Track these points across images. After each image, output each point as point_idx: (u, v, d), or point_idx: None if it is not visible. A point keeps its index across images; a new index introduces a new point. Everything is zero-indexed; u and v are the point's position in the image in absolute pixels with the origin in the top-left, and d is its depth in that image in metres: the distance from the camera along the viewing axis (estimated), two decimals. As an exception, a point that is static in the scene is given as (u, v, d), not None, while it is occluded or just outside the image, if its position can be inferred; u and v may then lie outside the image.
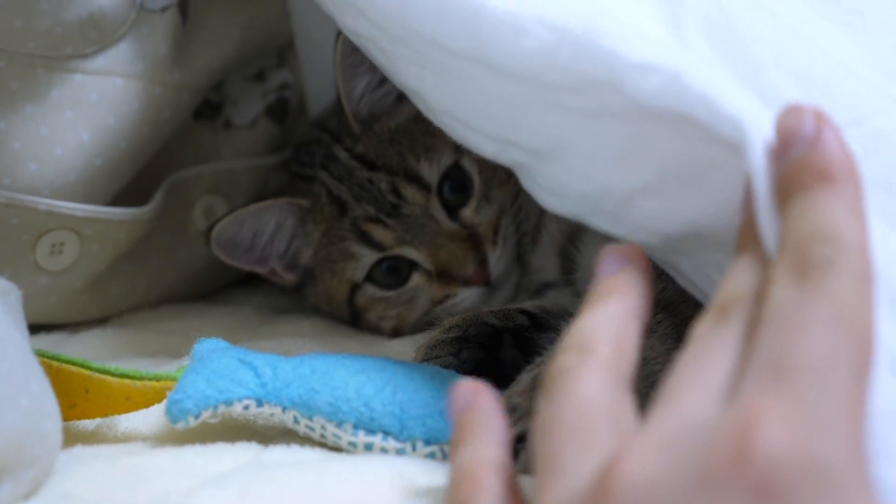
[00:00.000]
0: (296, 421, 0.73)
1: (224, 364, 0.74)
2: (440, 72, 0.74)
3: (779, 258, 0.51)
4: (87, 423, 0.78)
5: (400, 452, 0.71)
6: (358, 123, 1.06)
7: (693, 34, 0.72)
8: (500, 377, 0.80)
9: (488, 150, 0.76)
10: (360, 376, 0.73)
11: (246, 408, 0.73)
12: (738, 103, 0.57)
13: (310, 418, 0.72)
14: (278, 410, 0.73)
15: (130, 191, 1.05)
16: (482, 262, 1.03)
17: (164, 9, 1.01)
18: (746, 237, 0.55)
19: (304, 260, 1.11)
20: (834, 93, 0.72)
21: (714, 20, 0.74)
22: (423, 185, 1.03)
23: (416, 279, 1.05)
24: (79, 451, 0.73)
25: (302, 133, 1.21)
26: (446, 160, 1.04)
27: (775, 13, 0.78)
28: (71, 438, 0.73)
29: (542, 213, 1.00)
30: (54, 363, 0.75)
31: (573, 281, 1.00)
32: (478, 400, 0.59)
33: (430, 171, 1.04)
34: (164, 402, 0.73)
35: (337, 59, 1.01)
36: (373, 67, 0.87)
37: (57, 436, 0.67)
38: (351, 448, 0.72)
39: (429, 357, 0.85)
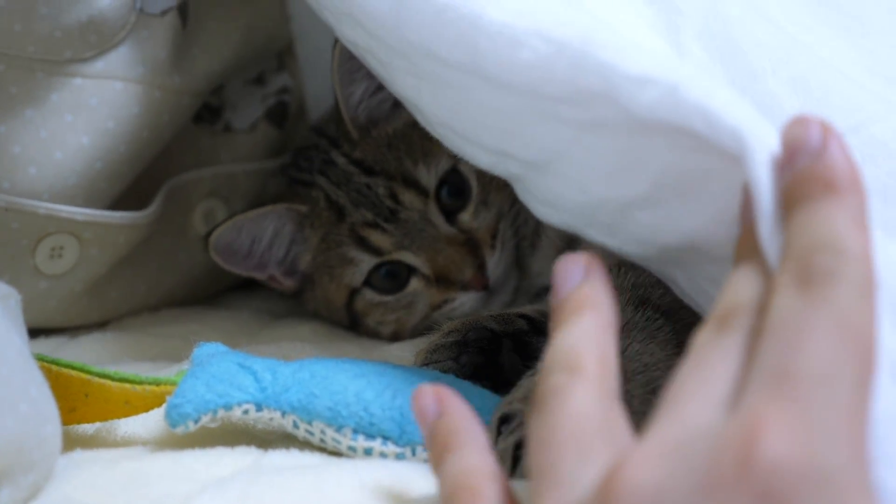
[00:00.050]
0: (295, 425, 0.73)
1: (223, 368, 0.74)
2: (437, 83, 0.74)
3: (781, 267, 0.51)
4: (87, 428, 0.78)
5: (399, 457, 0.71)
6: (356, 129, 1.06)
7: (691, 42, 0.72)
8: (499, 382, 0.81)
9: (484, 161, 0.77)
10: (360, 381, 0.73)
11: (245, 412, 0.73)
12: (737, 114, 0.57)
13: (309, 423, 0.72)
14: (278, 415, 0.73)
15: (130, 195, 1.05)
16: (480, 266, 1.03)
17: (163, 13, 1.01)
18: (746, 247, 0.55)
19: (303, 265, 1.11)
20: (831, 100, 0.72)
21: (711, 27, 0.74)
22: (420, 190, 1.03)
23: (415, 284, 1.05)
24: (78, 455, 0.73)
25: (301, 137, 1.21)
26: (444, 165, 1.04)
27: (773, 20, 0.78)
28: (70, 442, 0.73)
29: (540, 217, 1.00)
30: (54, 367, 0.75)
31: (572, 285, 0.99)
32: (448, 405, 0.59)
33: (428, 176, 1.04)
34: (164, 406, 0.73)
35: (334, 66, 1.01)
36: (370, 73, 0.87)
37: (56, 440, 0.67)
38: (350, 453, 0.72)
39: (428, 361, 0.85)
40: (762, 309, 0.51)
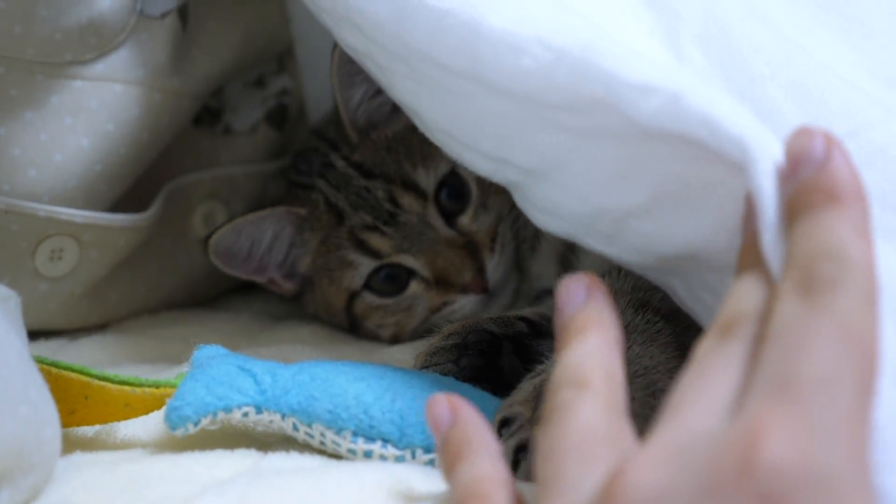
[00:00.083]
0: (295, 428, 0.73)
1: (223, 371, 0.74)
2: (436, 89, 0.74)
3: (784, 276, 0.52)
4: (87, 430, 0.78)
5: (399, 460, 0.71)
6: (355, 132, 1.06)
7: (690, 47, 0.72)
8: (499, 385, 0.81)
9: (483, 168, 0.77)
10: (360, 383, 0.73)
11: (245, 415, 0.73)
12: (740, 123, 0.57)
13: (309, 425, 0.72)
14: (277, 417, 0.73)
15: (130, 197, 1.05)
16: (480, 269, 1.03)
17: (163, 15, 1.01)
18: (748, 257, 0.55)
19: (303, 268, 1.11)
20: (829, 104, 0.72)
21: (710, 32, 0.74)
22: (419, 193, 1.04)
23: (414, 287, 1.05)
24: (78, 457, 0.73)
25: (301, 139, 1.21)
26: (443, 168, 1.04)
27: (773, 22, 0.78)
28: (70, 445, 0.73)
29: (540, 219, 1.00)
30: (53, 370, 0.74)
31: (572, 288, 0.99)
32: (462, 414, 0.60)
33: (427, 179, 1.04)
34: (164, 408, 0.73)
35: (334, 69, 1.01)
36: (370, 77, 0.87)
37: (56, 442, 0.67)
38: (350, 455, 0.72)
39: (428, 364, 0.85)
40: (765, 317, 0.51)
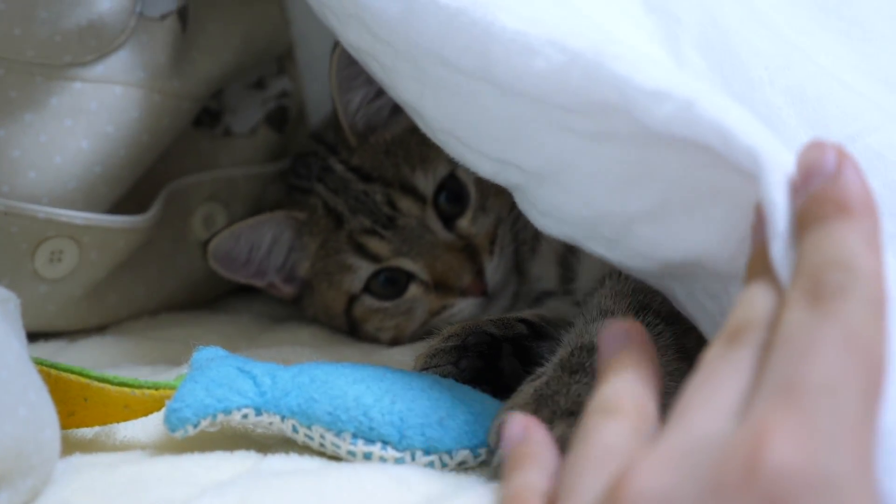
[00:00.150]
0: (294, 430, 0.73)
1: (223, 373, 0.74)
2: (441, 89, 0.74)
3: (793, 284, 0.52)
4: (86, 432, 0.78)
5: (399, 462, 0.71)
6: (354, 136, 1.06)
7: (690, 52, 0.72)
8: (498, 386, 0.81)
9: (486, 169, 0.76)
10: (359, 385, 0.73)
11: (245, 416, 0.73)
12: (753, 133, 0.57)
13: (309, 427, 0.72)
14: (277, 419, 0.73)
15: (130, 199, 1.05)
16: (479, 272, 1.03)
17: (163, 16, 1.01)
18: (757, 266, 0.56)
19: (302, 272, 1.11)
20: (828, 109, 0.72)
21: (710, 36, 0.74)
22: (418, 197, 1.04)
23: (413, 290, 1.05)
24: (77, 459, 0.73)
25: (301, 141, 1.21)
26: (442, 171, 1.04)
27: (772, 26, 0.78)
28: (69, 447, 0.73)
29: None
30: (53, 371, 0.74)
31: (572, 290, 1.00)
32: (531, 433, 0.63)
33: (426, 182, 1.04)
34: (163, 410, 0.73)
35: (333, 73, 1.01)
36: (369, 80, 0.87)
37: (55, 444, 0.67)
38: (350, 457, 0.72)
39: (428, 366, 0.85)
40: (773, 325, 0.52)
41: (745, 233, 0.60)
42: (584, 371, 0.72)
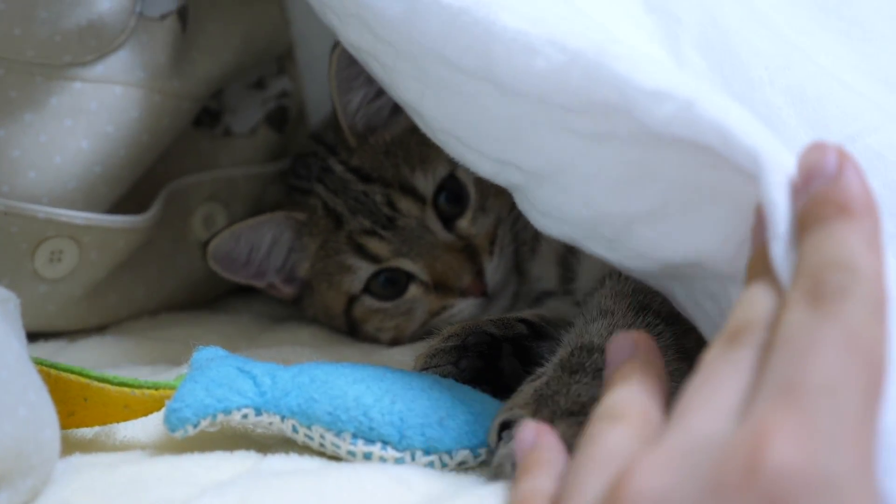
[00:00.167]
0: (294, 430, 0.73)
1: (223, 373, 0.74)
2: (442, 89, 0.74)
3: (793, 284, 0.53)
4: (86, 432, 0.78)
5: (399, 462, 0.71)
6: (354, 136, 1.06)
7: (690, 51, 0.72)
8: (498, 386, 0.81)
9: (486, 169, 0.76)
10: (359, 385, 0.73)
11: (245, 416, 0.73)
12: (754, 134, 0.57)
13: (308, 427, 0.72)
14: (277, 419, 0.73)
15: (130, 198, 1.05)
16: (478, 272, 1.03)
17: (163, 16, 1.01)
18: (757, 267, 0.56)
19: (302, 273, 1.11)
20: (827, 109, 0.72)
21: (710, 36, 0.74)
22: (418, 197, 1.03)
23: (413, 290, 1.05)
24: (77, 459, 0.73)
25: (301, 141, 1.21)
26: (442, 171, 1.04)
27: (772, 25, 0.78)
28: (69, 447, 0.73)
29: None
30: (53, 371, 0.74)
31: (572, 290, 1.00)
32: (543, 439, 0.64)
33: (426, 183, 1.04)
34: (163, 410, 0.73)
35: (332, 74, 1.01)
36: (369, 81, 0.87)
37: (55, 444, 0.67)
38: (350, 457, 0.72)
39: (427, 366, 0.85)
40: (773, 326, 0.52)
41: (745, 234, 0.60)
42: (584, 371, 0.72)
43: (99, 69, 0.98)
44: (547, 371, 0.74)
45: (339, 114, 1.05)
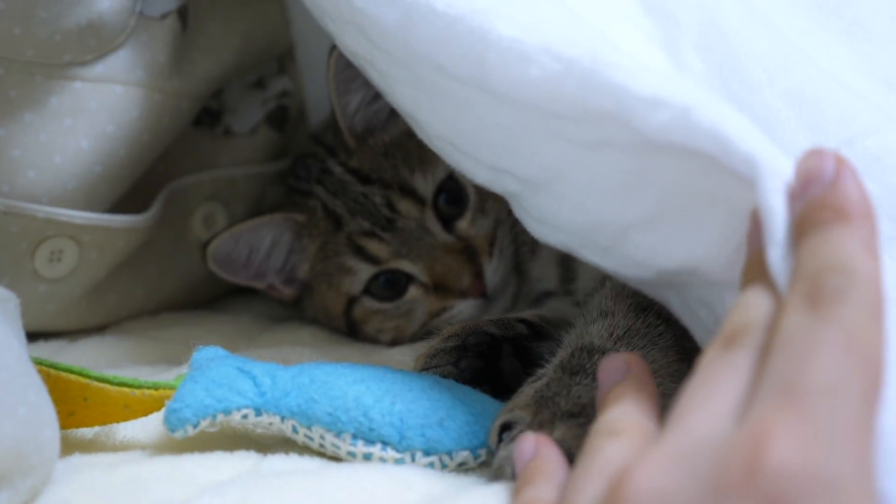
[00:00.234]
0: (294, 430, 0.73)
1: (223, 373, 0.74)
2: (437, 96, 0.74)
3: (791, 288, 0.53)
4: (86, 432, 0.78)
5: (399, 463, 0.71)
6: (353, 138, 1.06)
7: (689, 53, 0.72)
8: (499, 387, 0.81)
9: (482, 176, 0.77)
10: (359, 386, 0.73)
11: (244, 417, 0.73)
12: (750, 140, 0.57)
13: (308, 428, 0.72)
14: (277, 420, 0.73)
15: (130, 198, 1.05)
16: (478, 274, 1.03)
17: (163, 16, 1.01)
18: (754, 271, 0.57)
19: (301, 274, 1.11)
20: (826, 112, 0.72)
21: (709, 38, 0.74)
22: (417, 199, 1.03)
23: (413, 292, 1.05)
24: (77, 459, 0.73)
25: (301, 141, 1.21)
26: (441, 172, 1.04)
27: (772, 26, 0.78)
28: (69, 447, 0.73)
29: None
30: (52, 371, 0.74)
31: (573, 290, 1.00)
32: (542, 450, 0.65)
33: (425, 184, 1.04)
34: (163, 410, 0.73)
35: (330, 75, 1.01)
36: (367, 83, 0.87)
37: (55, 444, 0.67)
38: (350, 458, 0.72)
39: (428, 366, 0.85)
40: (770, 329, 0.53)
41: (740, 240, 0.60)
42: (584, 372, 0.72)
43: (99, 69, 0.98)
44: (547, 372, 0.74)
45: (337, 115, 1.05)
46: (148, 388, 0.75)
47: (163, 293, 1.14)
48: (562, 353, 0.75)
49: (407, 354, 0.98)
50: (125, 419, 0.76)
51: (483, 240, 1.04)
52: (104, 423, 0.76)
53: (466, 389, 0.78)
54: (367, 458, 0.71)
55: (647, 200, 0.65)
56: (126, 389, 0.75)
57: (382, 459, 0.71)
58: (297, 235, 1.09)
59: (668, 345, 0.75)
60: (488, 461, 0.72)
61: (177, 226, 1.12)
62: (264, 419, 0.73)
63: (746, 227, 0.59)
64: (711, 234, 0.63)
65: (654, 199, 0.65)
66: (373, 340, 1.09)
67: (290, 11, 1.17)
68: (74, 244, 1.01)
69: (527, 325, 0.90)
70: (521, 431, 0.69)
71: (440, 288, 1.03)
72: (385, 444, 0.71)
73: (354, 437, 0.71)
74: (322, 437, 0.72)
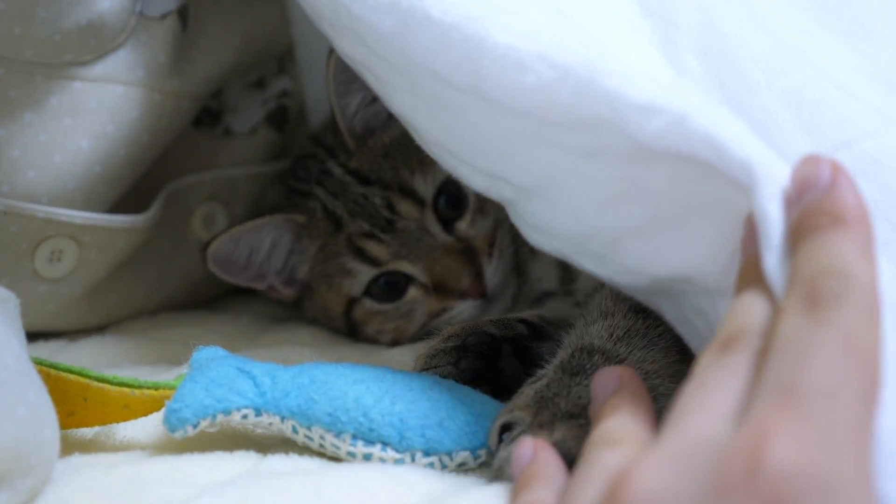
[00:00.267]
0: (294, 430, 0.73)
1: (223, 373, 0.74)
2: (434, 103, 0.74)
3: (788, 293, 0.53)
4: (86, 432, 0.78)
5: (399, 463, 0.71)
6: (352, 139, 1.06)
7: (687, 56, 0.72)
8: (498, 387, 0.80)
9: (478, 183, 0.77)
10: (359, 386, 0.73)
11: (244, 417, 0.73)
12: (746, 146, 0.58)
13: (308, 428, 0.72)
14: (277, 420, 0.73)
15: (130, 198, 1.05)
16: (478, 274, 1.03)
17: (163, 16, 1.01)
18: (749, 276, 0.57)
19: (301, 275, 1.11)
20: (824, 114, 0.72)
21: (708, 40, 0.74)
22: (417, 200, 1.03)
23: (413, 293, 1.05)
24: (77, 459, 0.73)
25: (301, 141, 1.21)
26: (441, 174, 1.04)
27: (771, 27, 0.78)
28: (69, 447, 0.73)
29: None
30: (52, 371, 0.74)
31: (573, 291, 1.00)
32: (540, 454, 0.65)
33: (425, 185, 1.04)
34: (163, 410, 0.73)
35: (330, 76, 1.01)
36: (366, 84, 0.87)
37: (55, 444, 0.67)
38: (349, 458, 0.72)
39: (427, 366, 0.85)
40: (767, 333, 0.53)
41: (734, 247, 0.60)
42: (584, 373, 0.72)
43: (99, 68, 0.98)
44: (547, 373, 0.74)
45: (337, 116, 1.05)
46: (148, 388, 0.75)
47: (163, 293, 1.14)
48: (562, 354, 0.75)
49: (407, 355, 0.98)
50: (125, 419, 0.76)
51: (483, 240, 1.04)
52: (104, 423, 0.76)
53: (466, 390, 0.78)
54: (367, 458, 0.71)
55: (641, 208, 0.65)
56: (126, 389, 0.75)
57: (382, 460, 0.71)
58: (297, 236, 1.09)
59: (669, 345, 0.75)
60: (488, 461, 0.72)
61: (177, 226, 1.12)
62: (264, 419, 0.73)
63: (741, 233, 0.59)
64: (706, 242, 0.63)
65: (648, 206, 0.65)
66: (373, 341, 1.09)
67: (290, 12, 1.17)
68: (74, 244, 1.01)
69: (527, 325, 0.90)
70: (522, 432, 0.69)
71: (440, 289, 1.03)
72: (385, 444, 0.71)
73: (354, 437, 0.71)
74: (322, 438, 0.72)
